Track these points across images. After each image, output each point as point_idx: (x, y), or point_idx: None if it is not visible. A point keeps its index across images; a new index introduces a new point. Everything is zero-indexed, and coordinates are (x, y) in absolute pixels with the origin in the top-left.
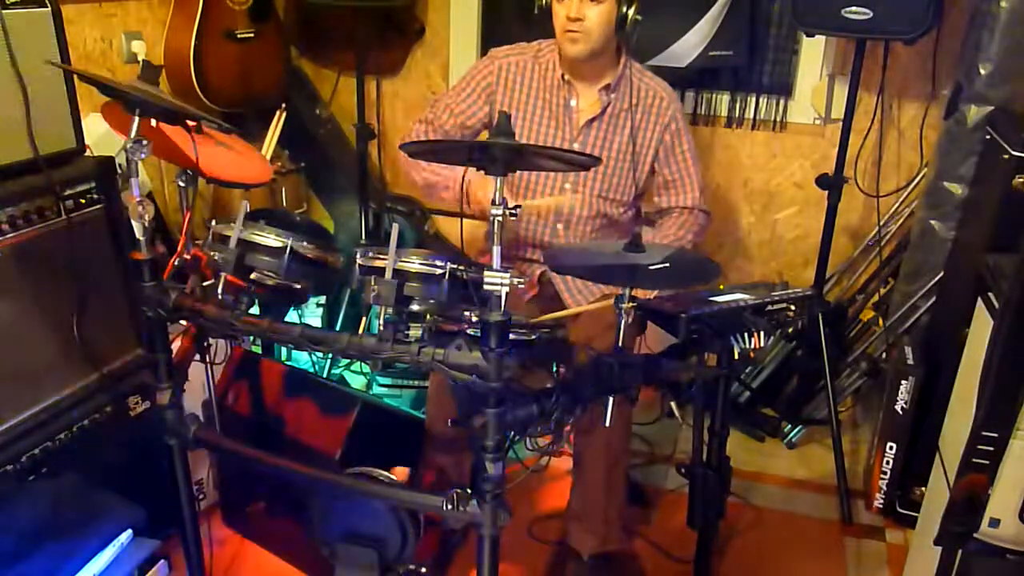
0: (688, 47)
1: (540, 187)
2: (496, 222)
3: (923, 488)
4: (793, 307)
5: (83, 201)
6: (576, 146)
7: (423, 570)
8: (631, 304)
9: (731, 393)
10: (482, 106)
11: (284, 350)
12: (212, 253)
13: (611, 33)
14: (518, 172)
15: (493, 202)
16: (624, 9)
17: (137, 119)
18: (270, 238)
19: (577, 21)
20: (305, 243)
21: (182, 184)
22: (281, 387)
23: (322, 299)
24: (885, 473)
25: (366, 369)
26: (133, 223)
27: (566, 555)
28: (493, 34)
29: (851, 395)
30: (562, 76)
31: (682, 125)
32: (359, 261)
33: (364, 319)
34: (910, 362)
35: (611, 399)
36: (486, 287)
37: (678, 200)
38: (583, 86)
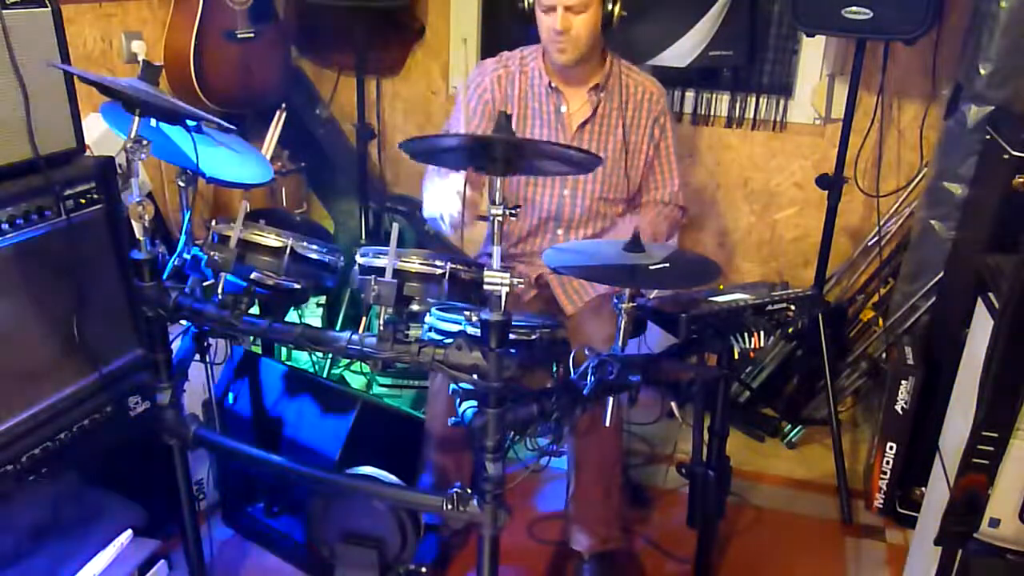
0: (688, 47)
1: (540, 193)
2: (496, 222)
3: (923, 488)
4: (793, 307)
5: (83, 201)
6: None
7: (423, 570)
8: (631, 304)
9: (731, 393)
10: (484, 116)
11: (284, 350)
12: (212, 253)
13: (597, 36)
14: (516, 179)
15: (493, 202)
16: (609, 8)
17: (137, 119)
18: (270, 238)
19: (563, 33)
20: (305, 243)
21: (182, 184)
22: (281, 387)
23: (322, 299)
24: (885, 473)
25: (366, 369)
26: (133, 223)
27: (566, 555)
28: (493, 34)
29: (851, 395)
30: (549, 84)
31: (668, 120)
32: (359, 261)
33: (364, 319)
34: (910, 362)
35: (611, 399)
36: (486, 287)
37: (655, 195)
38: (572, 91)
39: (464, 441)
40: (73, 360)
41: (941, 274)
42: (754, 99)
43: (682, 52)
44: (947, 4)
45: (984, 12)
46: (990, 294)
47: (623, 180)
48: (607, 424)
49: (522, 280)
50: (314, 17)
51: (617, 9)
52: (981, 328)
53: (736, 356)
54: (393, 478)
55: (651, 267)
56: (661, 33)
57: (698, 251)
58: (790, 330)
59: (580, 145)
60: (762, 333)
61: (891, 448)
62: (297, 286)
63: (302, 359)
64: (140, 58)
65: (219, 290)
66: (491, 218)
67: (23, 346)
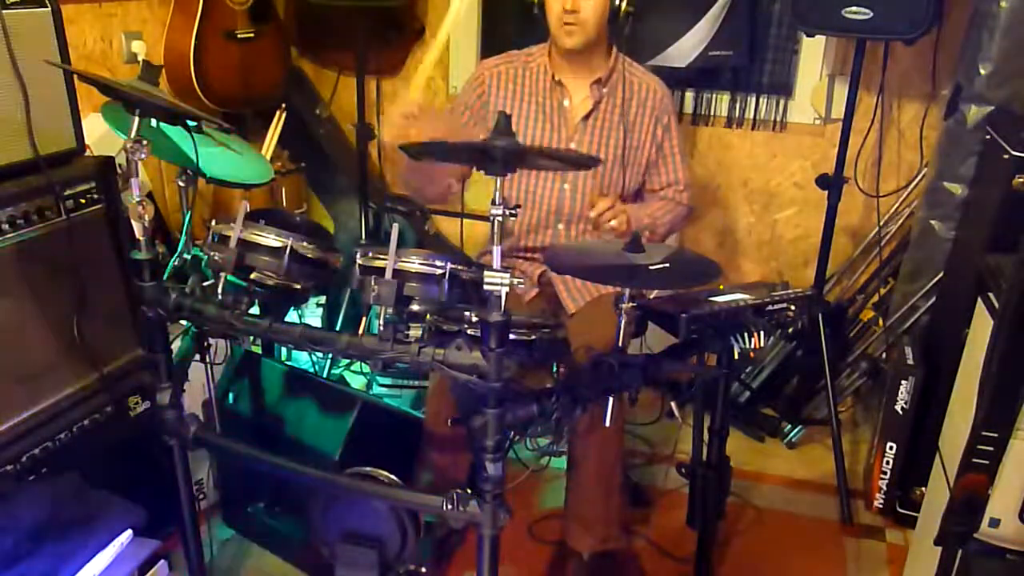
0: (688, 47)
1: (540, 187)
2: (496, 222)
3: (923, 488)
4: (793, 307)
5: (83, 201)
6: (572, 146)
7: (423, 570)
8: (631, 304)
9: (731, 393)
10: (478, 110)
11: (284, 350)
12: (212, 253)
13: (605, 24)
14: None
15: (493, 202)
16: (617, 2)
17: (137, 119)
18: (270, 238)
19: (573, 12)
20: (305, 243)
21: (182, 184)
22: (281, 387)
23: (322, 299)
24: (885, 473)
25: (366, 369)
26: (133, 223)
27: (566, 555)
28: (493, 34)
29: (851, 395)
30: (553, 77)
31: (672, 120)
32: (359, 261)
33: (364, 319)
34: (910, 362)
35: (611, 399)
36: (486, 287)
37: (660, 193)
38: (574, 84)
39: (462, 440)
40: (73, 360)
41: (941, 274)
42: (754, 99)
43: (682, 52)
44: (947, 4)
45: (984, 12)
46: (990, 294)
47: (623, 177)
48: (607, 424)
49: (522, 281)
50: (314, 17)
51: (624, 4)
52: (981, 328)
53: (736, 356)
54: (393, 478)
55: (651, 267)
56: (661, 33)
57: (698, 251)
58: (790, 330)
59: (581, 140)
60: (762, 333)
61: (891, 448)
62: (297, 286)
63: (302, 359)
64: (140, 58)
65: (219, 290)
66: (491, 218)
67: (23, 346)
